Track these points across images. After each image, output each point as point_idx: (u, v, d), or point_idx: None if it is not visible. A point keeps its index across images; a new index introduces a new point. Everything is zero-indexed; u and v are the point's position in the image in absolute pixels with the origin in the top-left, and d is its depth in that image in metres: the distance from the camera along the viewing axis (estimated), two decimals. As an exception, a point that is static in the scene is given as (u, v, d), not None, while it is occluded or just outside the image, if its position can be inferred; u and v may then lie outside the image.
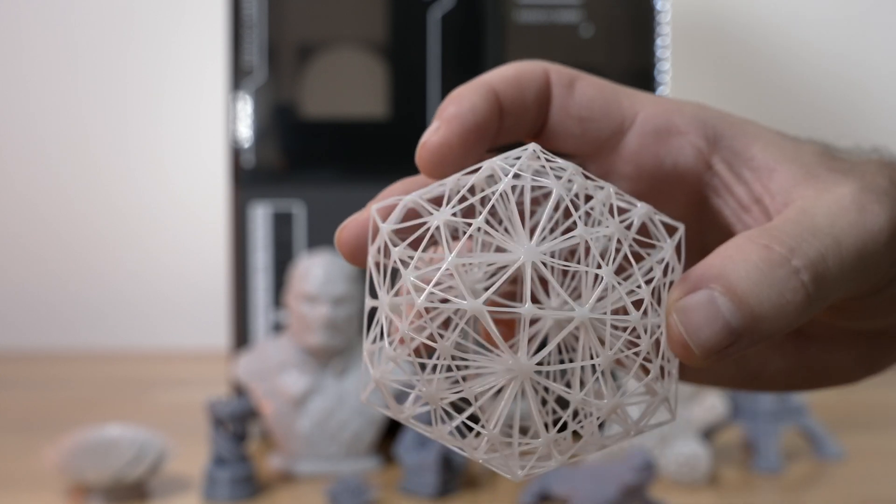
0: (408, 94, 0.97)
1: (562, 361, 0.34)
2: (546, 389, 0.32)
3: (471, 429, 0.32)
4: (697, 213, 0.38)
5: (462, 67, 0.97)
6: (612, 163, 0.37)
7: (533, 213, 0.35)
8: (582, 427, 0.31)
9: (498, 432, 0.31)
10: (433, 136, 0.35)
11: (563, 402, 0.32)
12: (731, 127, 0.37)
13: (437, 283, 0.30)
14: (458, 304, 0.29)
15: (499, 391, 0.31)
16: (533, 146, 0.32)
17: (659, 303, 0.31)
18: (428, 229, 0.31)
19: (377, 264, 0.33)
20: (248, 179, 0.97)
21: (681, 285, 0.31)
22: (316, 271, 0.89)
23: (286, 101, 0.97)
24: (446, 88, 0.96)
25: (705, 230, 0.38)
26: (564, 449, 0.31)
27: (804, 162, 0.36)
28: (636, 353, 0.31)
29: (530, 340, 0.33)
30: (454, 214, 0.31)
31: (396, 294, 0.32)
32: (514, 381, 0.30)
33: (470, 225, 0.31)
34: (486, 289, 0.32)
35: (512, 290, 0.36)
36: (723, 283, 0.31)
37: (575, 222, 0.31)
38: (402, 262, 0.31)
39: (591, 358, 0.30)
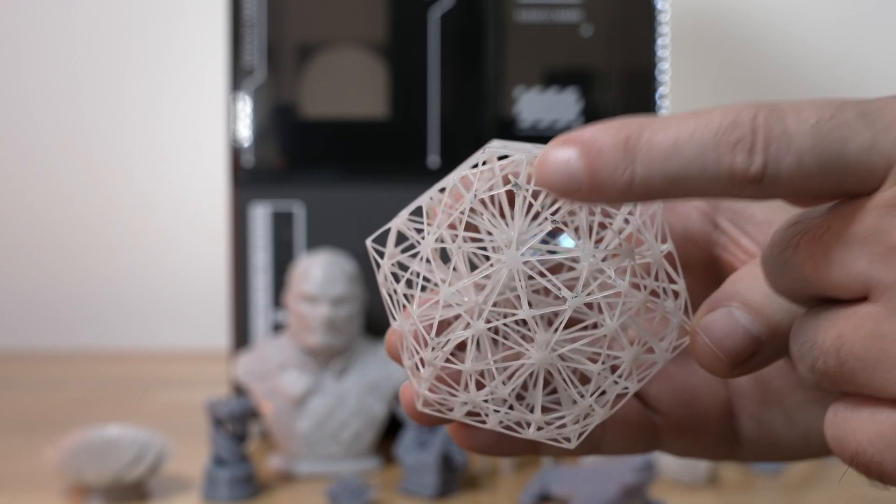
0: (408, 94, 0.97)
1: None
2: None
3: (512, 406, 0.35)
4: (710, 270, 0.40)
5: (462, 67, 0.97)
6: None
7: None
8: (611, 382, 0.34)
9: (540, 415, 0.34)
10: None
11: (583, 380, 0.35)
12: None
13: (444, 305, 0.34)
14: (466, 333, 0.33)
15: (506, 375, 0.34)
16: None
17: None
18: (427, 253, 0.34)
19: (388, 292, 0.35)
20: (247, 179, 0.97)
21: (702, 309, 0.34)
22: (316, 271, 0.89)
23: (286, 101, 0.97)
24: (446, 88, 0.96)
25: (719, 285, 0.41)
26: (602, 402, 0.34)
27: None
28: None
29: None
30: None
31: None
32: (535, 364, 0.33)
33: (458, 241, 0.34)
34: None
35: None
36: (738, 298, 0.34)
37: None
38: (407, 295, 0.35)
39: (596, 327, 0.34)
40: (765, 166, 0.29)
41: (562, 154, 0.31)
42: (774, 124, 0.29)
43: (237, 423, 0.83)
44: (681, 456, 0.42)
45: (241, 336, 0.97)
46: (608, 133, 0.30)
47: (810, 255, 0.30)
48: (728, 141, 0.29)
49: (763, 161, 0.29)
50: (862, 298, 0.29)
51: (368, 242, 0.36)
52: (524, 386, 0.34)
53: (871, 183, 0.29)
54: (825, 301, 0.30)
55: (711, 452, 0.42)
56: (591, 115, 0.97)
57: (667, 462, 0.87)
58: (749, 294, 0.34)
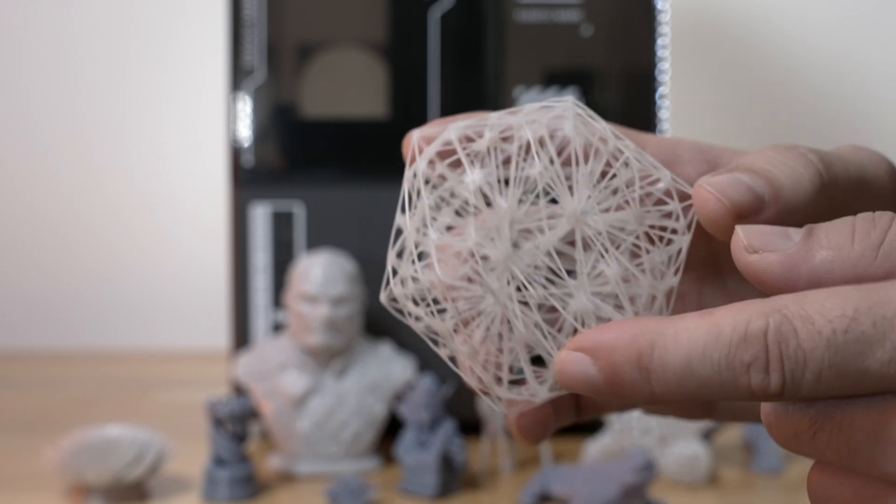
0: (408, 94, 0.97)
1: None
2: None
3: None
4: (707, 233, 0.40)
5: (462, 67, 0.97)
6: None
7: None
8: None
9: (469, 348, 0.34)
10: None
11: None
12: (728, 151, 0.40)
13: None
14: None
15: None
16: (571, 99, 0.35)
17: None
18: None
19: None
20: (247, 179, 0.97)
21: (703, 177, 0.35)
22: (315, 271, 0.89)
23: (286, 101, 0.97)
24: (446, 88, 0.96)
25: (716, 247, 0.41)
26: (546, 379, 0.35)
27: None
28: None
29: None
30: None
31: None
32: (492, 299, 0.33)
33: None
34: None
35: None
36: (739, 167, 0.34)
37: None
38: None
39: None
40: (783, 384, 0.29)
41: (579, 365, 0.31)
42: (788, 339, 0.28)
43: (237, 423, 0.83)
44: (658, 415, 0.42)
45: (241, 336, 0.97)
46: (619, 345, 0.30)
47: (833, 448, 0.30)
48: (742, 361, 0.29)
49: (780, 380, 0.29)
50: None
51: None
52: None
53: (893, 387, 0.29)
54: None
55: (687, 412, 0.42)
56: (591, 115, 0.97)
57: (667, 462, 0.87)
58: (751, 162, 0.34)
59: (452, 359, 0.36)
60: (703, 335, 0.29)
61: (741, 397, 0.29)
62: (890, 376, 0.28)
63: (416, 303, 0.35)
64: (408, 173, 0.35)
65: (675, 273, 0.35)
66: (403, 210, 0.35)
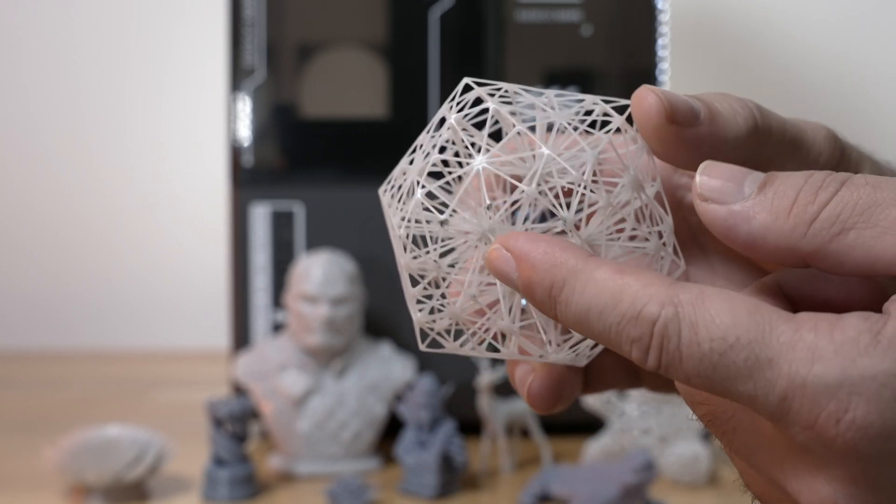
0: (408, 94, 0.97)
1: None
2: None
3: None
4: (676, 215, 0.40)
5: (462, 67, 0.97)
6: None
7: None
8: None
9: (509, 321, 0.36)
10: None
11: None
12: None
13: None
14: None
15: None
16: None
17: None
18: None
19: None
20: (247, 179, 0.97)
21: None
22: (315, 271, 0.89)
23: (286, 101, 0.97)
24: (446, 88, 0.96)
25: (696, 229, 0.41)
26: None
27: None
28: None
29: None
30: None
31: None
32: (481, 240, 0.35)
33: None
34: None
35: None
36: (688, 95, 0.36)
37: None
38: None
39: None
40: (658, 367, 0.31)
41: (504, 264, 0.34)
42: (671, 337, 0.31)
43: (237, 423, 0.83)
44: (659, 391, 0.44)
45: (241, 336, 0.97)
46: (539, 268, 0.33)
47: (734, 458, 0.36)
48: (628, 335, 0.31)
49: (656, 364, 0.31)
50: None
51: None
52: None
53: (758, 410, 0.30)
54: None
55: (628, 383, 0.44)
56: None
57: (667, 462, 0.87)
58: (695, 94, 0.36)
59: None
60: (607, 296, 0.32)
61: (625, 356, 0.32)
62: (753, 404, 0.30)
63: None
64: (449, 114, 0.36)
65: (654, 179, 0.36)
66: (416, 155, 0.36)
